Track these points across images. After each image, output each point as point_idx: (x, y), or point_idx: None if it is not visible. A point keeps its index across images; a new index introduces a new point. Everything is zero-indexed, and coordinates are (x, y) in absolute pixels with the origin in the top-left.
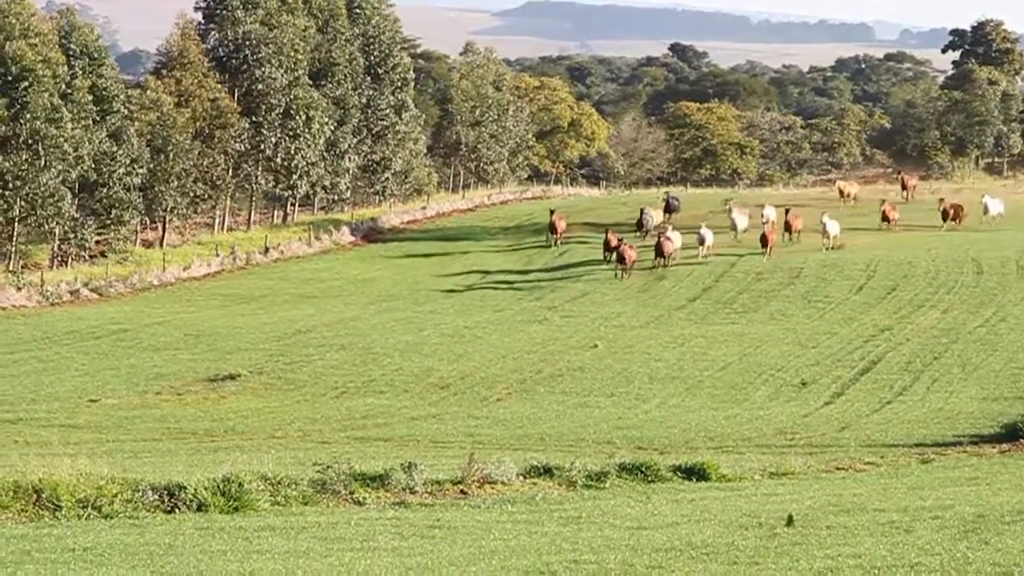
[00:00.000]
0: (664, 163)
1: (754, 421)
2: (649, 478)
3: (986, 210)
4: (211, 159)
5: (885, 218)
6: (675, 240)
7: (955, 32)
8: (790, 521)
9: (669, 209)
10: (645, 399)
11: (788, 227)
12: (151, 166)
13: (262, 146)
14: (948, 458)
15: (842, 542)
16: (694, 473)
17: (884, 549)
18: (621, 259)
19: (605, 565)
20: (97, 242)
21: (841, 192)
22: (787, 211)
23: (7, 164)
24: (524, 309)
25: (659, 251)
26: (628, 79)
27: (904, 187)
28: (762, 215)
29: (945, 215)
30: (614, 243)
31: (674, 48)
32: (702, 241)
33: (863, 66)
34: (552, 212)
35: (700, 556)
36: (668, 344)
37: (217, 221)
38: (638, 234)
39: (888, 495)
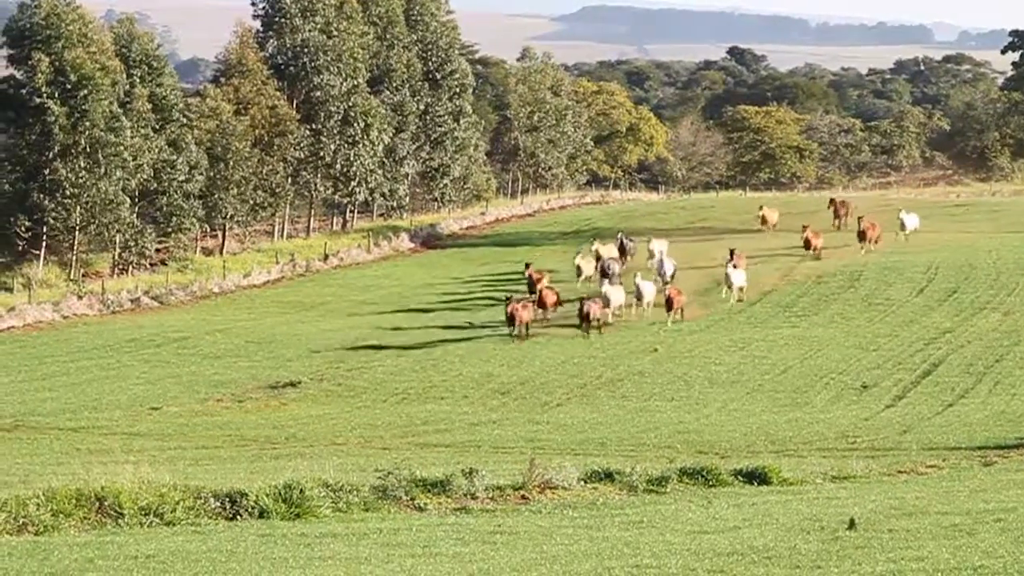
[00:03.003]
0: (722, 167)
1: (815, 424)
2: (710, 482)
3: (903, 227)
4: (270, 167)
5: (808, 245)
6: (615, 296)
7: (1015, 33)
8: (852, 525)
9: (623, 251)
10: (705, 403)
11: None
12: (210, 174)
13: (321, 153)
14: (1011, 461)
15: (904, 545)
16: (755, 477)
17: (947, 552)
18: (540, 303)
19: (667, 570)
20: (157, 250)
21: (763, 220)
22: (732, 252)
23: (66, 172)
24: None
25: (583, 315)
26: (686, 83)
27: (836, 215)
28: (650, 253)
29: (862, 236)
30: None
31: (732, 52)
32: (639, 296)
33: (922, 68)
34: (527, 266)
35: (762, 560)
36: (728, 348)
37: (277, 228)
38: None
39: (950, 498)
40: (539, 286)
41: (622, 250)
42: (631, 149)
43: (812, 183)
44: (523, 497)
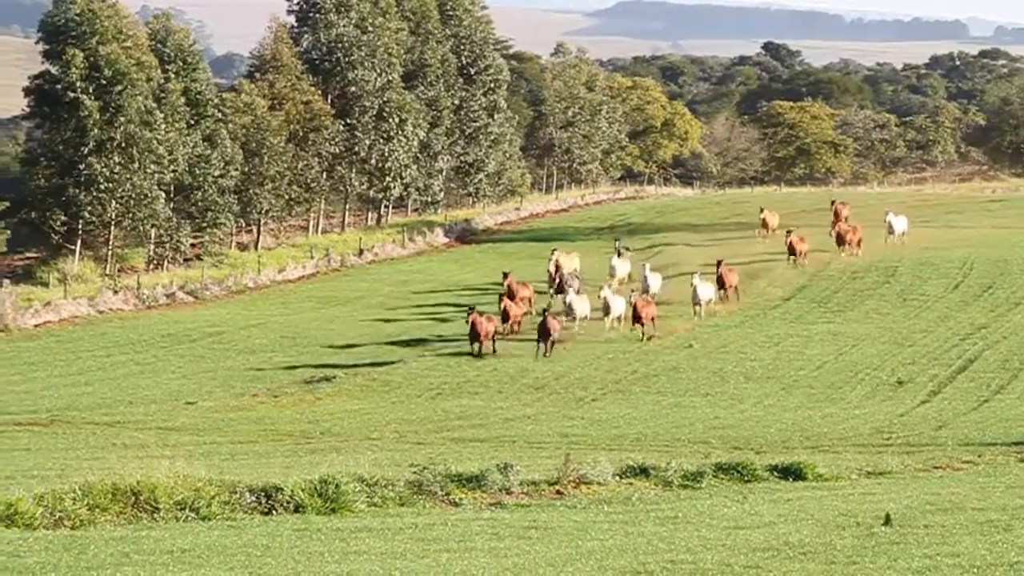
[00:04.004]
0: (757, 162)
1: (850, 420)
2: (745, 478)
3: (891, 230)
4: (305, 162)
5: (792, 251)
6: (579, 308)
7: None
8: (888, 520)
9: (620, 258)
10: (740, 399)
11: (721, 282)
12: (245, 169)
13: (356, 148)
14: None
15: (940, 541)
16: (791, 473)
17: (983, 548)
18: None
19: (702, 565)
20: (192, 245)
21: (764, 223)
22: (719, 263)
23: (101, 167)
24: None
25: (543, 332)
26: (721, 78)
27: (837, 217)
28: (611, 267)
29: (840, 239)
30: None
31: (767, 47)
32: (607, 311)
33: (957, 63)
34: (506, 275)
35: (797, 556)
36: (763, 343)
37: (311, 223)
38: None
39: (986, 494)
40: (503, 303)
41: (619, 257)
42: (666, 144)
43: (847, 178)
44: (558, 492)
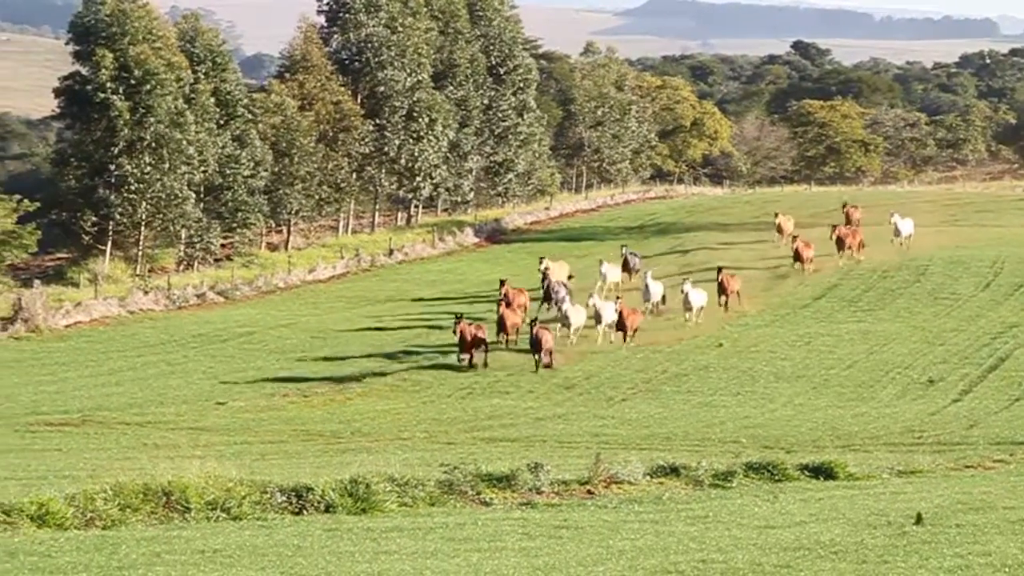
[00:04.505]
0: (787, 161)
1: (881, 419)
2: (776, 477)
3: (897, 232)
4: (335, 162)
5: (798, 257)
6: (575, 318)
7: None
8: (919, 519)
9: (627, 268)
10: (771, 398)
11: (722, 289)
12: (275, 169)
13: (385, 148)
14: None
15: (972, 540)
16: (821, 472)
17: (1014, 547)
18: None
19: (733, 564)
20: (223, 245)
21: (779, 228)
22: (719, 271)
23: (131, 167)
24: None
25: (534, 345)
26: (750, 77)
27: (848, 220)
28: (602, 274)
29: (840, 243)
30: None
31: (797, 46)
32: (598, 319)
33: (988, 62)
34: (503, 283)
35: (829, 555)
36: (794, 343)
37: (341, 224)
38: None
39: (1018, 493)
40: (501, 309)
41: (626, 266)
42: (695, 144)
43: (877, 177)
44: (588, 492)
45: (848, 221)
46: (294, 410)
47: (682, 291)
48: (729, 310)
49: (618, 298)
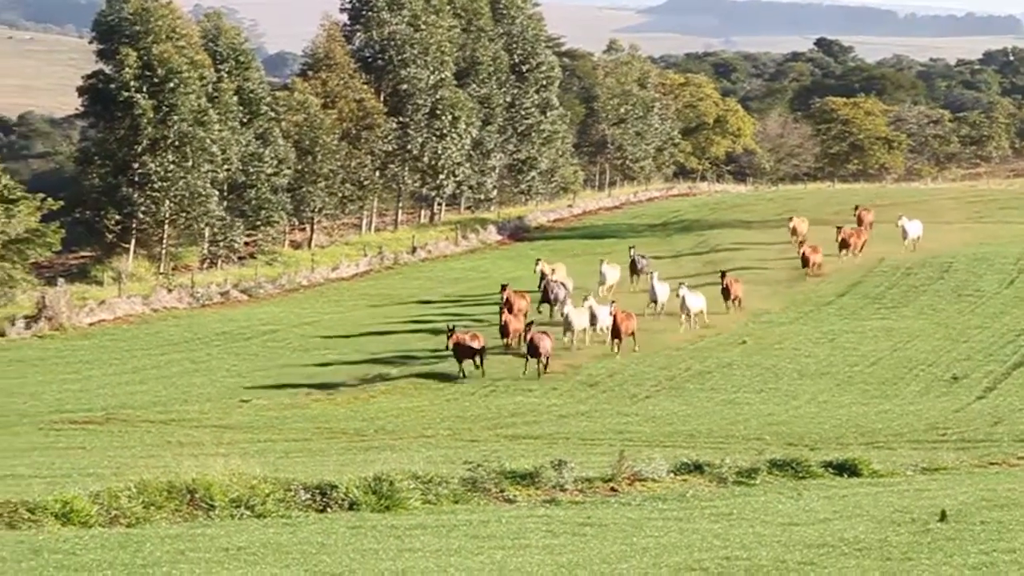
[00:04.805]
0: (811, 159)
1: (905, 416)
2: (800, 474)
3: (904, 234)
4: (358, 160)
5: (805, 262)
6: (577, 321)
7: None
8: (943, 517)
9: (634, 269)
10: (794, 395)
11: (726, 293)
12: (298, 167)
13: (408, 146)
14: None
15: (997, 537)
16: (845, 469)
17: None
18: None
19: (757, 561)
20: (246, 243)
21: (794, 231)
22: (722, 273)
23: (155, 165)
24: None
25: (532, 350)
26: (774, 75)
27: (860, 222)
28: (601, 273)
29: (844, 244)
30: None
31: (820, 43)
32: (592, 321)
33: (1011, 59)
34: (504, 287)
35: (853, 552)
36: (817, 340)
37: (364, 222)
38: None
39: None
40: (503, 315)
41: (633, 267)
42: (718, 141)
43: (901, 174)
44: (612, 489)
45: (860, 224)
46: (318, 408)
47: (678, 295)
48: (732, 312)
49: (612, 303)
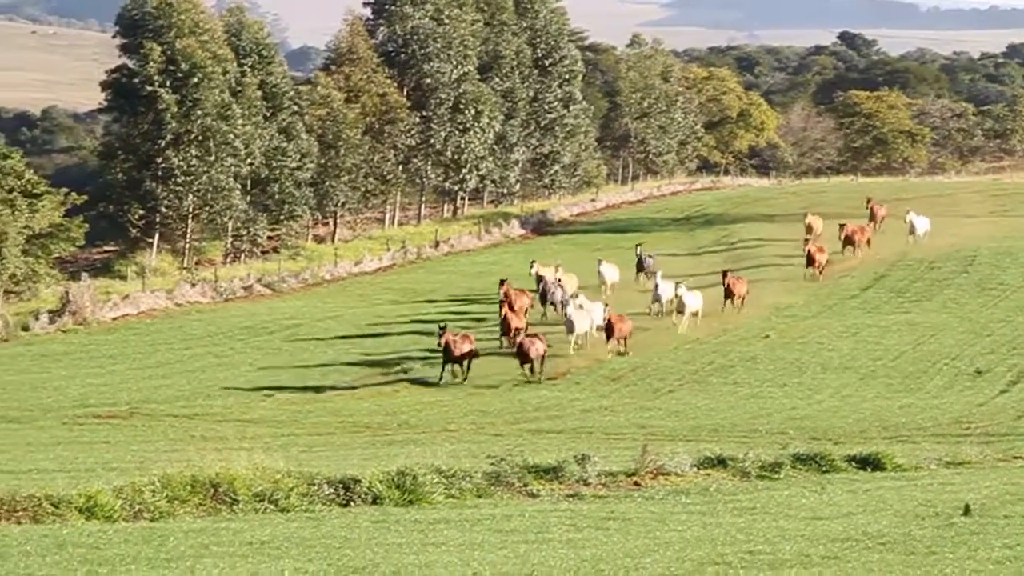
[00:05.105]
0: (834, 152)
1: (929, 410)
2: (824, 468)
3: (912, 229)
4: (381, 154)
5: (811, 261)
6: (579, 323)
7: None
8: (967, 510)
9: (641, 268)
10: (818, 389)
11: (729, 292)
12: (321, 161)
13: (431, 140)
14: None
15: (1020, 531)
16: (869, 463)
17: None
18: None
19: (781, 556)
20: (269, 238)
21: (809, 228)
22: (725, 273)
23: (178, 160)
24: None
25: (522, 355)
26: (797, 68)
27: (873, 217)
28: (599, 273)
29: (848, 240)
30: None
31: (843, 36)
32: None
33: None
34: (503, 282)
35: (876, 546)
36: (841, 334)
37: (387, 216)
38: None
39: None
40: (503, 311)
41: (640, 266)
42: (742, 135)
43: (924, 168)
44: (636, 483)
45: (872, 218)
46: (341, 402)
47: (676, 295)
48: (735, 311)
49: (606, 305)
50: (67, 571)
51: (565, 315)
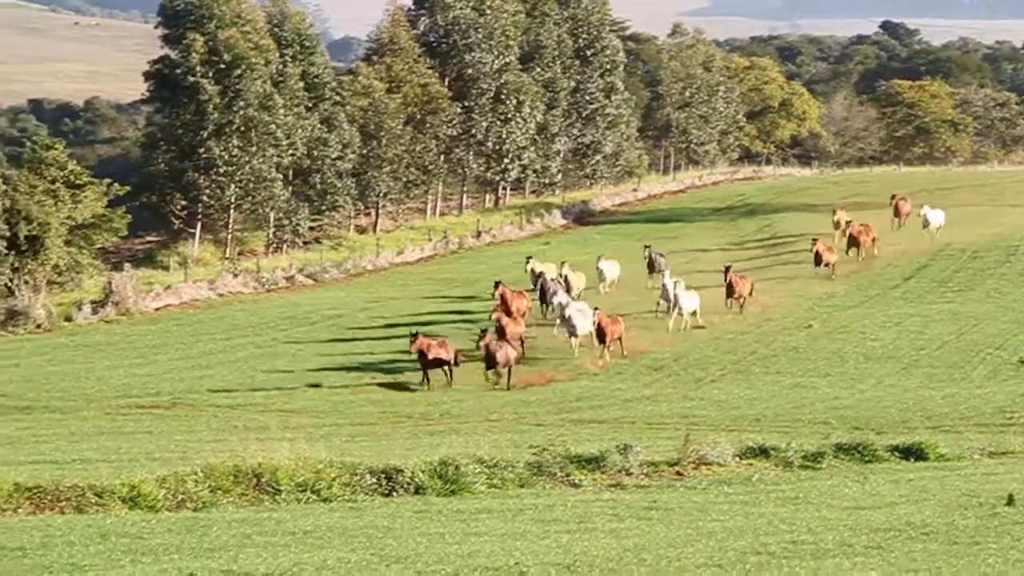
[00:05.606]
0: (876, 142)
1: (972, 400)
2: (866, 458)
3: (926, 223)
4: (423, 144)
5: (818, 260)
6: (580, 324)
7: None
8: (1011, 500)
9: (652, 267)
10: (860, 379)
11: (730, 290)
12: (363, 152)
13: (473, 131)
14: None
15: None
16: (912, 453)
17: None
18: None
19: (823, 545)
20: (311, 228)
21: (837, 224)
22: (727, 269)
23: (220, 150)
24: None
25: (488, 359)
26: (839, 58)
27: (897, 213)
28: (599, 270)
29: (853, 241)
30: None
31: (885, 26)
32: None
33: None
34: (498, 284)
35: (919, 536)
36: (883, 323)
37: (429, 206)
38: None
39: None
40: (495, 314)
41: (651, 265)
42: (783, 124)
43: (967, 158)
44: (678, 473)
45: (897, 213)
46: (383, 392)
47: (674, 294)
48: (743, 311)
49: (596, 309)
50: (111, 561)
51: (566, 317)
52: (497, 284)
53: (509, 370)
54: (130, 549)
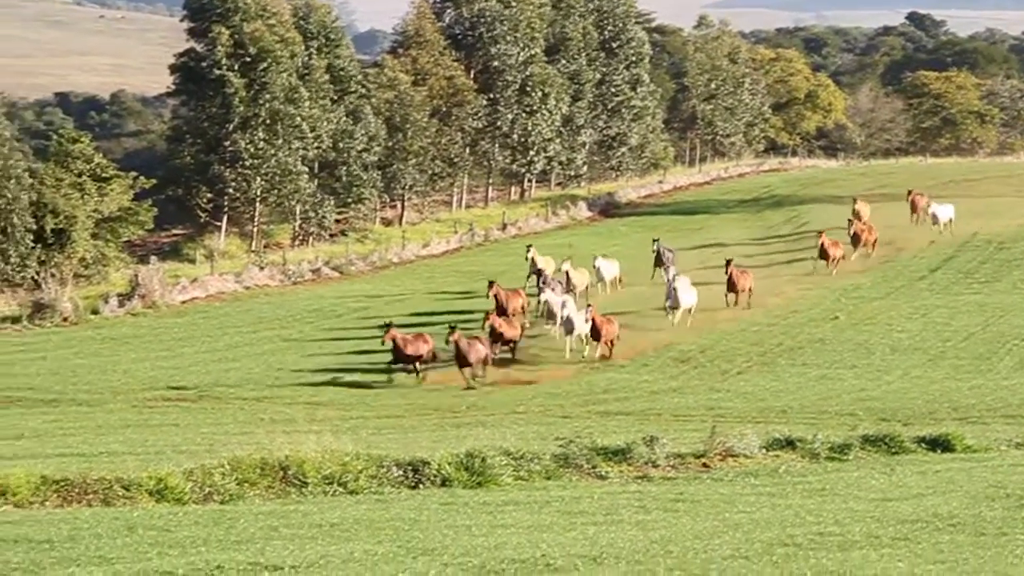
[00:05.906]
0: (902, 133)
1: (999, 391)
2: (893, 450)
3: (935, 220)
4: (448, 136)
5: (824, 255)
6: (579, 324)
7: None
8: None
9: (660, 261)
10: (887, 370)
11: (731, 285)
12: (389, 144)
13: (498, 123)
14: None
15: None
16: (939, 444)
17: None
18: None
19: (850, 537)
20: (337, 221)
21: (858, 216)
22: (728, 262)
23: (246, 143)
24: (760, 284)
25: (460, 358)
26: (865, 49)
27: (914, 209)
28: (595, 269)
29: (856, 239)
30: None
31: (911, 17)
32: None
33: None
34: (492, 284)
35: (946, 527)
36: (910, 315)
37: (455, 198)
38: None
39: None
40: (490, 320)
41: (658, 260)
42: (809, 116)
43: (993, 149)
44: (704, 465)
45: (914, 209)
46: (409, 384)
47: (672, 287)
48: (740, 305)
49: (589, 306)
50: (138, 553)
51: (564, 316)
52: (491, 284)
53: (484, 367)
54: (157, 542)
